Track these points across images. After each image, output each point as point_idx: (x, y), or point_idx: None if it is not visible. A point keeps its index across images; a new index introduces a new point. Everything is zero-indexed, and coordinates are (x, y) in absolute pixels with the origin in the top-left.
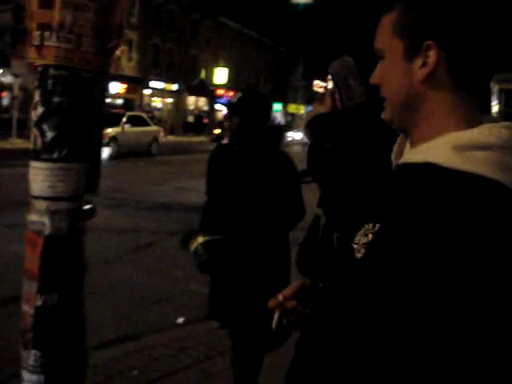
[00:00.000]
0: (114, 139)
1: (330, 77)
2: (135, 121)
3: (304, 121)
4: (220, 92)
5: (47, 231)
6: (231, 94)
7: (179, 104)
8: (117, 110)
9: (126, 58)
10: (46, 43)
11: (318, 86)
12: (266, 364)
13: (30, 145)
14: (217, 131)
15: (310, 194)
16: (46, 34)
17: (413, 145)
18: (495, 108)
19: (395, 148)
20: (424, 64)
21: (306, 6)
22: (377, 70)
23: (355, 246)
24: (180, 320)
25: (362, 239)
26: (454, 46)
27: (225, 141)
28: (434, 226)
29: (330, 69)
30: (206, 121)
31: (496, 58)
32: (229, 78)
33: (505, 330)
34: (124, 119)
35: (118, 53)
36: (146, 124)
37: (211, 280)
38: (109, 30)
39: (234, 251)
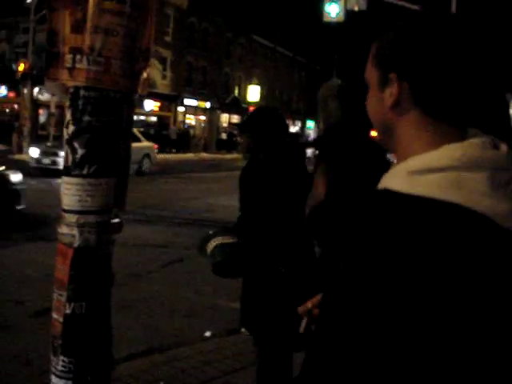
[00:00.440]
0: None
1: None
2: None
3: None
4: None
5: (76, 243)
6: None
7: (212, 121)
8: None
9: (160, 76)
10: (78, 66)
11: None
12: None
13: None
14: None
15: None
16: (78, 57)
17: None
18: None
19: None
20: (390, 94)
21: (338, 24)
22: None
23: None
24: (207, 334)
25: None
26: (415, 78)
27: (242, 157)
28: (377, 251)
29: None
30: (238, 138)
31: (486, 84)
32: (261, 95)
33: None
34: None
35: (145, 74)
36: (137, 140)
37: (243, 288)
38: (136, 53)
39: (267, 259)
